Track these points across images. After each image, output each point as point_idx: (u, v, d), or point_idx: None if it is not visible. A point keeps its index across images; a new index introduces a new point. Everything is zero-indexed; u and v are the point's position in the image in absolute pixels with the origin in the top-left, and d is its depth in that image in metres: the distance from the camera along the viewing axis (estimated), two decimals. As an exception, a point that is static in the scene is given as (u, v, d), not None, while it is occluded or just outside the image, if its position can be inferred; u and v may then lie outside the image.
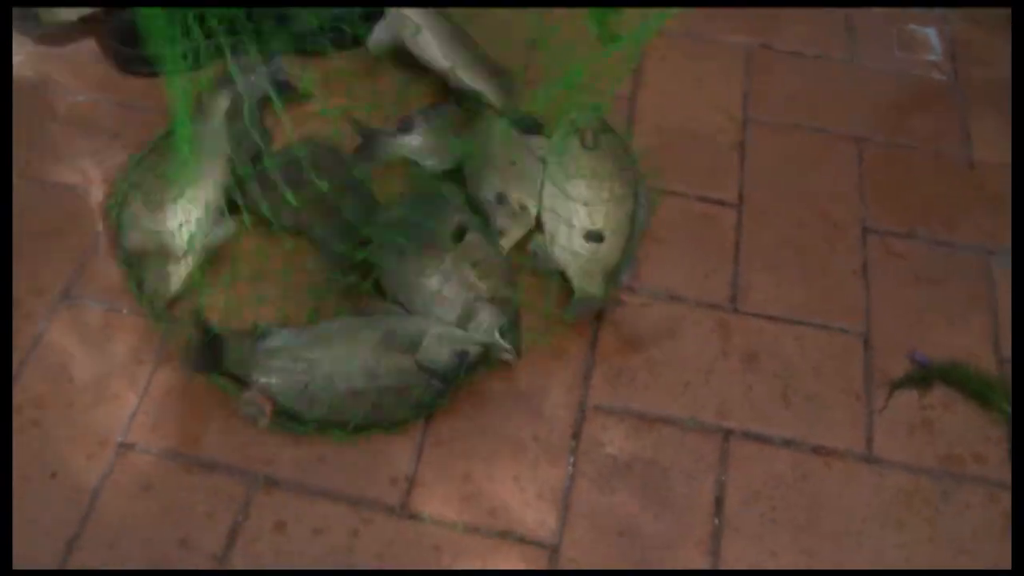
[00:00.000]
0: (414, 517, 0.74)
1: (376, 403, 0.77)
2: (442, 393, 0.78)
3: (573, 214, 0.85)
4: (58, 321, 0.84)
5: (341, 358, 0.77)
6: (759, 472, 0.77)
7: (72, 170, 0.95)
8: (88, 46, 1.06)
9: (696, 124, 0.99)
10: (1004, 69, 1.06)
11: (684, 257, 0.90)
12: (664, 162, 0.95)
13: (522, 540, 0.74)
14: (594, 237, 0.84)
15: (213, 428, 0.78)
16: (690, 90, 1.02)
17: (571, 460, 0.78)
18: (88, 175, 0.95)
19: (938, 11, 1.12)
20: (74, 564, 0.71)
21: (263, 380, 0.77)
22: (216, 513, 0.74)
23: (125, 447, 0.77)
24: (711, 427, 0.80)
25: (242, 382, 0.78)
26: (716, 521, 0.75)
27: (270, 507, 0.74)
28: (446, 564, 0.72)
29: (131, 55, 1.02)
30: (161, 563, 0.71)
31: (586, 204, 0.86)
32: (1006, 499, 0.77)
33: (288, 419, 0.77)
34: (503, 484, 0.76)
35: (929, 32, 1.10)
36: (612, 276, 0.84)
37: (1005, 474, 0.78)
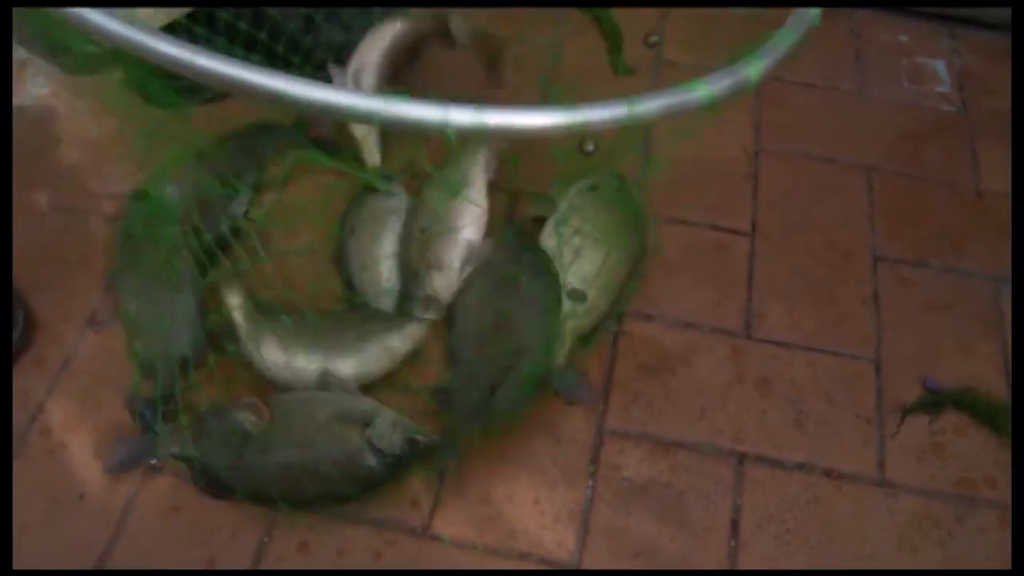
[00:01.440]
0: (435, 539, 0.80)
1: (314, 475, 0.79)
2: (388, 474, 0.80)
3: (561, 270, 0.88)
4: (85, 346, 0.90)
5: (279, 429, 0.81)
6: (773, 495, 0.83)
7: (98, 198, 1.02)
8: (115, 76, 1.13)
9: (709, 154, 1.05)
10: (1009, 99, 1.13)
11: (698, 285, 0.95)
12: (678, 192, 1.01)
13: (542, 561, 0.79)
14: (576, 296, 0.88)
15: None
16: (703, 121, 1.08)
17: (589, 483, 0.83)
18: (115, 203, 1.01)
19: (947, 43, 1.19)
20: (106, 581, 0.76)
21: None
22: (240, 534, 0.79)
23: (151, 469, 0.82)
24: (726, 451, 0.85)
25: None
26: (732, 543, 0.80)
27: (294, 529, 0.80)
28: (466, 585, 0.77)
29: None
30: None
31: (576, 261, 0.88)
32: (1011, 520, 0.81)
33: (221, 490, 0.81)
34: (523, 506, 0.81)
35: (938, 64, 1.16)
36: (586, 339, 0.88)
37: (1010, 494, 0.83)
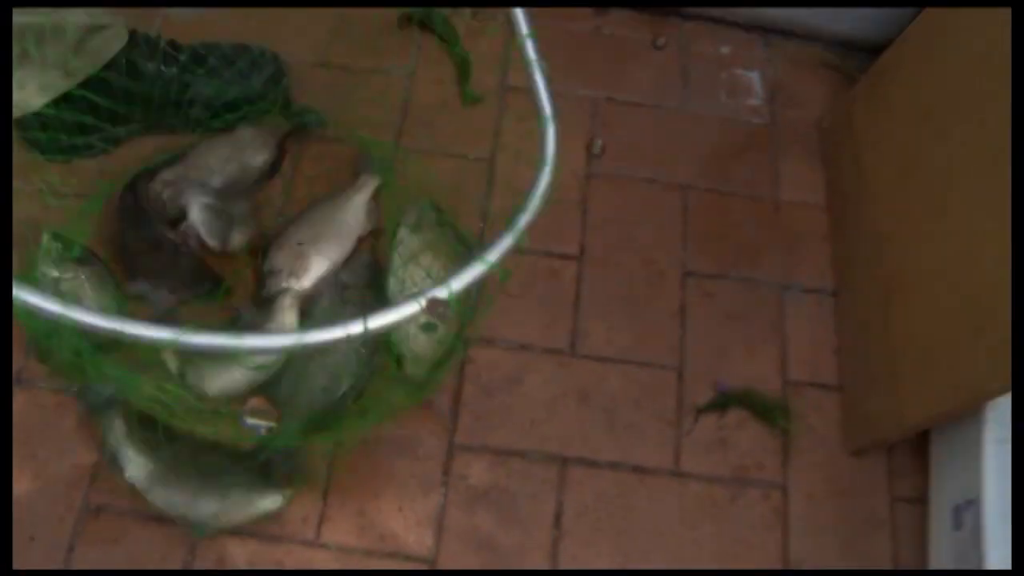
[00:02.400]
0: (324, 547, 1.04)
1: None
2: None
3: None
4: (17, 402, 1.10)
5: None
6: (589, 491, 1.08)
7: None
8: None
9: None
10: (815, 110, 1.33)
11: (533, 309, 1.17)
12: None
13: (407, 558, 1.04)
14: (429, 328, 1.08)
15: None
16: (536, 148, 1.26)
17: (443, 491, 1.07)
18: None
19: (763, 53, 1.37)
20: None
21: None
22: (169, 555, 1.03)
23: (92, 510, 1.04)
24: (552, 456, 1.09)
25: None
26: (555, 532, 1.06)
27: (213, 548, 1.03)
28: (349, 582, 1.02)
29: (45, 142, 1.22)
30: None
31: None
32: (776, 496, 1.09)
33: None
34: (390, 515, 1.06)
35: (753, 76, 1.35)
36: (439, 364, 1.09)
37: (778, 477, 1.10)
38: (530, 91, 0.84)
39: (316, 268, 1.14)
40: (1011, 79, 0.87)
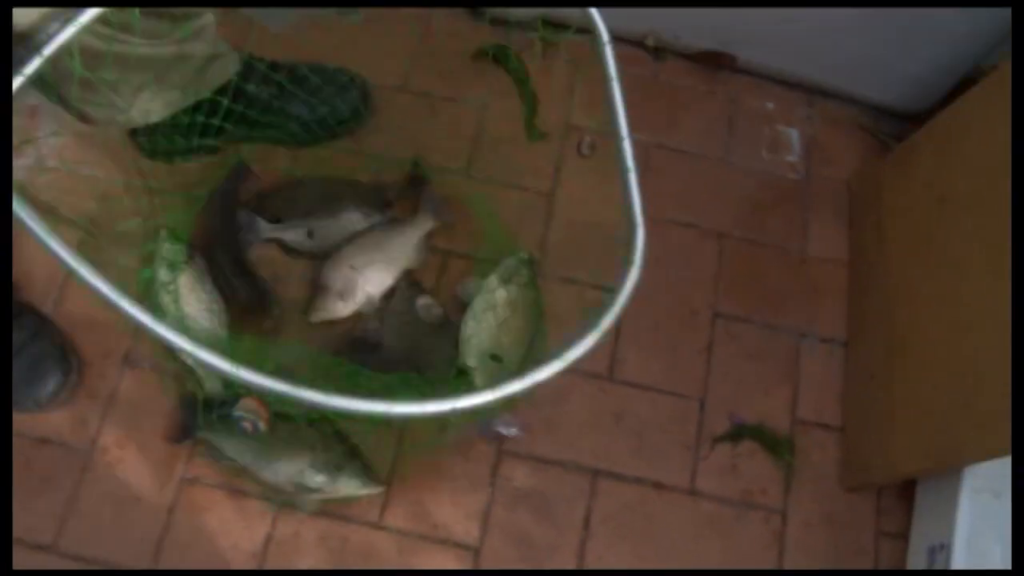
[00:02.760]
0: (384, 528, 1.22)
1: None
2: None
3: (488, 334, 1.26)
4: (125, 380, 1.27)
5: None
6: (615, 500, 1.26)
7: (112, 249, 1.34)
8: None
9: (598, 219, 1.39)
10: (846, 170, 1.48)
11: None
12: (569, 253, 1.37)
13: (456, 545, 1.22)
14: (496, 359, 1.25)
15: (244, 464, 1.24)
16: (597, 186, 1.42)
17: (490, 490, 1.25)
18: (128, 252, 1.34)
19: (804, 112, 1.51)
20: (162, 565, 1.18)
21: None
22: (253, 525, 1.21)
23: (188, 480, 1.22)
24: (586, 468, 1.27)
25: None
26: (583, 533, 1.24)
27: (290, 522, 1.21)
28: (405, 560, 1.21)
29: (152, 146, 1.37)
30: (221, 564, 1.19)
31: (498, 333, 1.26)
32: (776, 520, 1.27)
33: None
34: (443, 507, 1.24)
35: (792, 133, 1.49)
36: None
37: (779, 503, 1.27)
38: (625, 198, 0.93)
39: (361, 295, 1.31)
40: (1011, 78, 0.97)
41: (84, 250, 0.73)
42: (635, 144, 1.47)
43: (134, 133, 1.36)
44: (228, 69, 1.29)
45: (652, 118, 1.48)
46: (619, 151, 0.92)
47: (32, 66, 0.68)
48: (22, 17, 0.88)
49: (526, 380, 0.80)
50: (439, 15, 1.50)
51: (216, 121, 1.32)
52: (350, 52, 1.45)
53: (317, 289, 1.31)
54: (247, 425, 1.19)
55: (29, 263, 1.30)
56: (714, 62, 1.49)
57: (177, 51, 1.20)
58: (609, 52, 0.89)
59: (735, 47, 1.48)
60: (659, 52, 1.51)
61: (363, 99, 1.41)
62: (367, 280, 1.30)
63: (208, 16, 1.22)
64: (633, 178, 0.91)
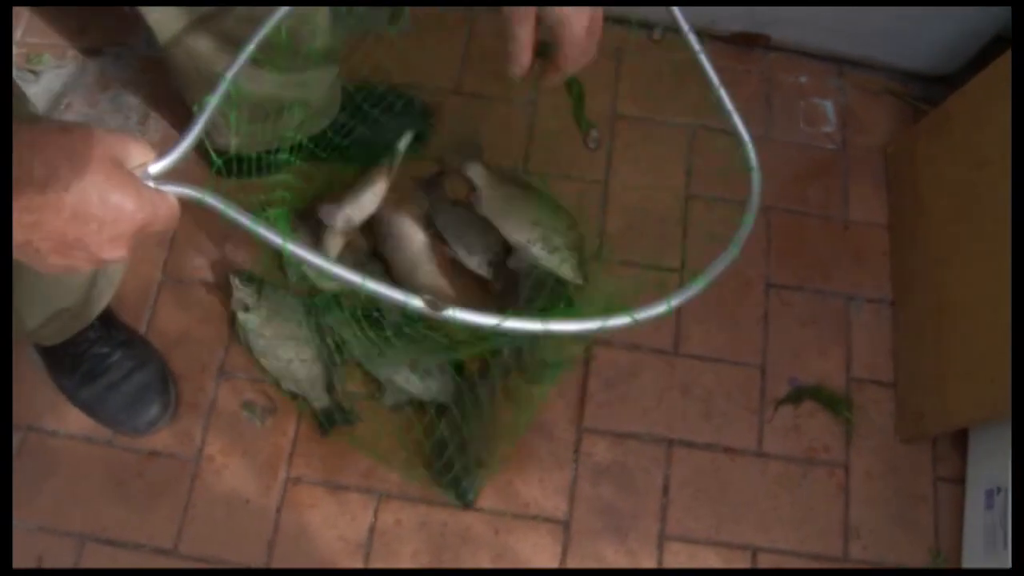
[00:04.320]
0: (479, 510, 1.35)
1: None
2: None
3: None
4: (221, 391, 1.40)
5: None
6: (689, 467, 1.39)
7: (200, 268, 1.46)
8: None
9: (650, 203, 1.51)
10: (881, 136, 1.59)
11: (643, 316, 1.45)
12: (627, 238, 1.48)
13: (547, 520, 1.36)
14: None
15: (345, 461, 1.36)
16: (646, 172, 1.54)
17: (574, 467, 1.39)
18: (213, 270, 1.46)
19: (835, 83, 1.62)
20: (275, 562, 1.31)
21: None
22: (357, 517, 1.34)
23: (292, 480, 1.35)
24: (660, 438, 1.40)
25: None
26: (663, 499, 1.37)
27: (390, 510, 1.34)
28: (500, 540, 1.34)
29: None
30: (331, 555, 1.32)
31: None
32: (840, 474, 1.40)
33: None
34: (532, 485, 1.37)
35: (827, 104, 1.60)
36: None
37: (841, 457, 1.41)
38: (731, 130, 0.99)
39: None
40: (1011, 78, 1.08)
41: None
42: (680, 128, 1.60)
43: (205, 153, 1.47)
44: (334, 111, 1.40)
45: (694, 101, 1.58)
46: (744, 152, 1.00)
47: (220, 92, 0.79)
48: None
49: (679, 295, 0.84)
50: (484, 18, 1.61)
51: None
52: (403, 63, 1.56)
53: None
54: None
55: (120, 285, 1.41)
56: (748, 42, 1.60)
57: (299, 95, 1.30)
58: (705, 60, 0.98)
59: (767, 27, 1.58)
60: (698, 36, 1.61)
61: (425, 119, 1.52)
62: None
63: (333, 67, 1.32)
64: (756, 177, 0.98)
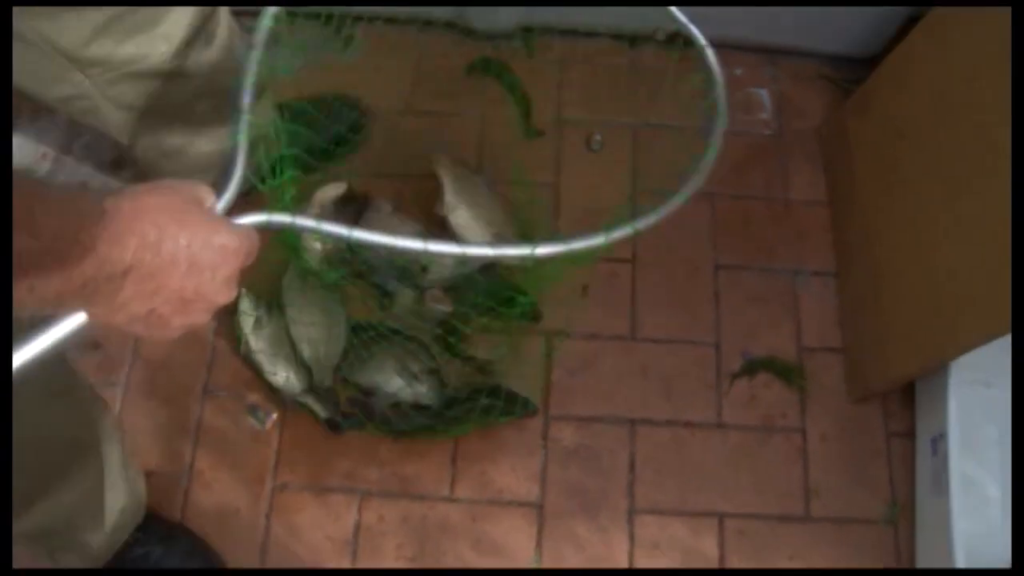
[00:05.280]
0: (457, 500, 1.46)
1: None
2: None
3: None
4: (207, 409, 1.51)
5: None
6: (652, 444, 1.50)
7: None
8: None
9: (600, 202, 1.63)
10: (815, 119, 1.71)
11: (599, 306, 1.58)
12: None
13: (521, 504, 1.46)
14: None
15: (327, 466, 1.47)
16: (594, 172, 1.66)
17: (543, 452, 1.49)
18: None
19: (769, 72, 1.74)
20: (268, 565, 1.42)
21: None
22: (341, 517, 1.45)
23: (278, 487, 1.46)
24: (623, 419, 1.51)
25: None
26: (630, 476, 1.48)
27: (372, 507, 1.45)
28: (478, 526, 1.45)
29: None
30: (320, 555, 1.43)
31: None
32: (797, 438, 1.51)
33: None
34: (505, 473, 1.48)
35: (762, 93, 1.72)
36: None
37: (798, 423, 1.51)
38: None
39: None
40: (1011, 79, 1.13)
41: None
42: (624, 127, 1.72)
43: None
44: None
45: (635, 102, 1.71)
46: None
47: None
48: None
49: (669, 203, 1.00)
50: (430, 40, 1.75)
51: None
52: (355, 87, 1.69)
53: None
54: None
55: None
56: (682, 41, 1.72)
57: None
58: (711, 55, 1.12)
59: (699, 26, 1.70)
60: (634, 41, 1.74)
61: (359, 121, 1.66)
62: None
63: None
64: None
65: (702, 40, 1.13)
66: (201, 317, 0.68)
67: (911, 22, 1.61)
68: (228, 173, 0.78)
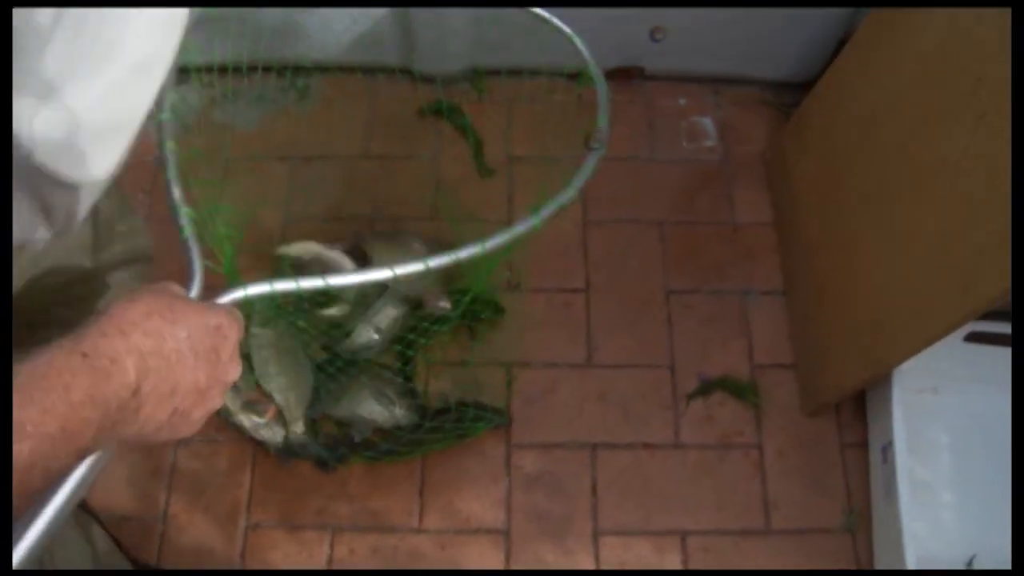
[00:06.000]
0: (425, 531, 1.51)
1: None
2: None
3: None
4: (181, 455, 1.56)
5: None
6: (614, 466, 1.55)
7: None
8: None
9: (553, 233, 1.69)
10: (759, 144, 1.78)
11: (555, 334, 1.63)
12: (535, 267, 1.66)
13: (488, 531, 1.51)
14: None
15: (298, 503, 1.52)
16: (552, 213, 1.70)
17: (507, 480, 1.54)
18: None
19: (712, 100, 1.81)
20: (245, 597, 1.47)
21: None
22: (311, 548, 1.49)
23: (251, 526, 1.51)
24: (584, 444, 1.56)
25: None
26: (593, 499, 1.52)
27: (344, 541, 1.50)
28: (447, 554, 1.49)
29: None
30: (293, 586, 1.47)
31: None
32: (754, 454, 1.55)
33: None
34: (471, 502, 1.53)
35: (706, 121, 1.79)
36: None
37: (754, 439, 1.56)
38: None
39: None
40: (1011, 81, 1.13)
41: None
42: (569, 161, 1.78)
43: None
44: None
45: (577, 136, 1.77)
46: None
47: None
48: None
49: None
50: (383, 86, 1.82)
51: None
52: (313, 136, 1.76)
53: None
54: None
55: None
56: (626, 75, 1.80)
57: None
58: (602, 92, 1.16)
59: (639, 60, 1.78)
60: (577, 76, 1.81)
61: None
62: None
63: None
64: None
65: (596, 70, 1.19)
66: (219, 401, 0.69)
67: (841, 45, 1.69)
68: (189, 264, 0.80)
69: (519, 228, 0.99)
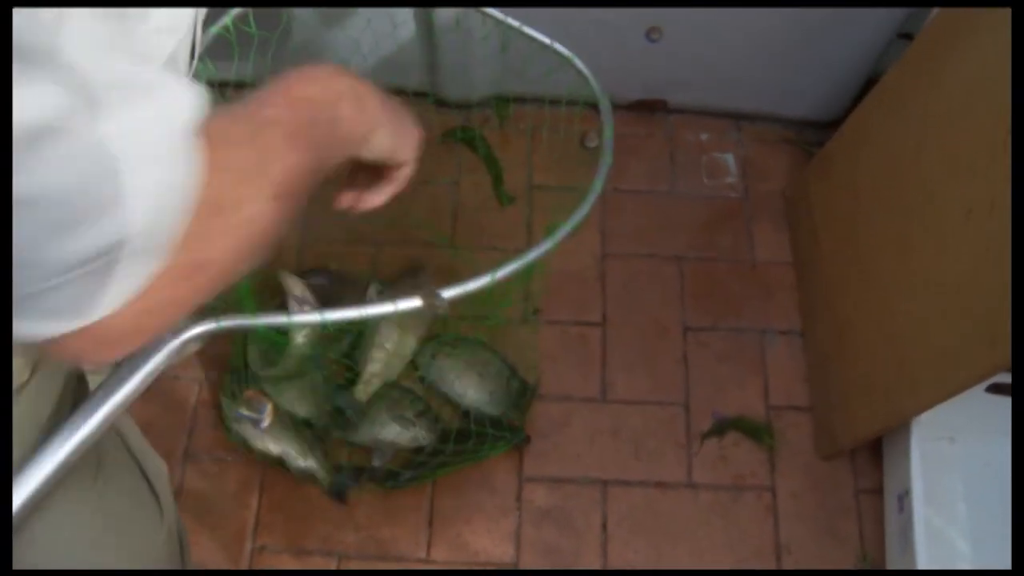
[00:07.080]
0: (432, 562, 1.49)
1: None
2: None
3: None
4: (188, 473, 1.55)
5: None
6: (625, 504, 1.53)
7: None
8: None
9: (570, 265, 1.68)
10: (780, 181, 1.77)
11: (569, 368, 1.62)
12: (552, 299, 1.65)
13: (496, 565, 1.49)
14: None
15: (306, 527, 1.51)
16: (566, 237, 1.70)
17: (517, 514, 1.53)
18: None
19: (734, 137, 1.81)
20: (248, 623, 1.46)
21: None
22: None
23: (257, 549, 1.50)
24: (595, 480, 1.55)
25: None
26: (603, 536, 1.51)
27: (351, 568, 1.48)
28: (454, 588, 1.48)
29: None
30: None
31: None
32: (767, 496, 1.54)
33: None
34: (480, 535, 1.51)
35: (728, 157, 1.78)
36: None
37: (767, 481, 1.55)
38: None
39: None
40: (1011, 82, 1.14)
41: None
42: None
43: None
44: None
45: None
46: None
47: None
48: None
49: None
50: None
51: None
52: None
53: None
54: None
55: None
56: (648, 108, 1.79)
57: None
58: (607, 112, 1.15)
59: (662, 93, 1.78)
60: (596, 106, 1.81)
61: None
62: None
63: None
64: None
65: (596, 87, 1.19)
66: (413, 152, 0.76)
67: (869, 84, 1.69)
68: None
69: (529, 256, 1.01)
